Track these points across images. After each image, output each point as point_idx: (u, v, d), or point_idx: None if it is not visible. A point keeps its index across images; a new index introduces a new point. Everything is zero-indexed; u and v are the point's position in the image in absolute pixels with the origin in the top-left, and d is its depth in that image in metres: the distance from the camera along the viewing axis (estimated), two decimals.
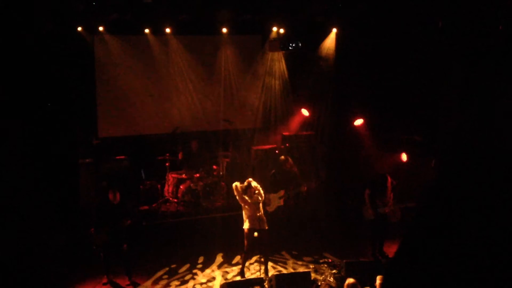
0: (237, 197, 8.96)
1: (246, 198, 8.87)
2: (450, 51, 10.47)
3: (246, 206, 8.89)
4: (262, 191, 9.02)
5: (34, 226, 10.24)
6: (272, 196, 10.41)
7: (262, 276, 8.79)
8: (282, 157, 11.41)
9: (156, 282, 9.10)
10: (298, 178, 11.09)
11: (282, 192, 10.52)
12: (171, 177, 12.13)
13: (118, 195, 8.77)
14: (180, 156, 12.33)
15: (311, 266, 9.51)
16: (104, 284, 8.86)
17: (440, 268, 1.63)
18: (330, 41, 13.33)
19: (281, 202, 10.46)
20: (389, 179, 9.57)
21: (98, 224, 8.61)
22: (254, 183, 8.97)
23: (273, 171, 11.32)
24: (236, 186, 8.95)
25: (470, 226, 1.64)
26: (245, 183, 8.97)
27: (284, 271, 9.38)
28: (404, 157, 11.17)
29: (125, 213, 8.81)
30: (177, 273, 9.42)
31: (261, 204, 9.01)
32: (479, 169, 1.74)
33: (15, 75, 10.77)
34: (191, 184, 11.91)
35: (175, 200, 11.99)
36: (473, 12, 9.60)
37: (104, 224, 8.57)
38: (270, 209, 10.24)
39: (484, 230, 1.61)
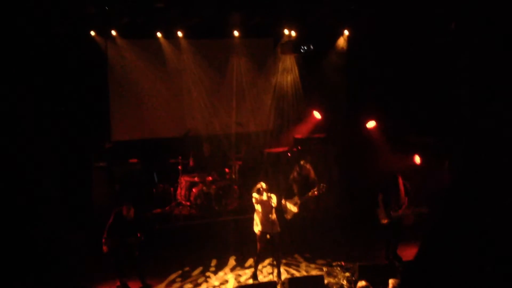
0: (254, 202, 8.94)
1: (259, 206, 8.83)
2: (464, 52, 10.37)
3: (259, 210, 8.85)
4: (274, 196, 8.89)
5: (48, 230, 10.32)
6: (288, 202, 10.27)
7: (275, 279, 8.78)
8: (302, 161, 11.19)
9: (169, 285, 9.12)
10: (315, 185, 10.63)
11: (296, 199, 10.35)
12: (184, 180, 12.14)
13: (132, 212, 8.66)
14: (191, 163, 12.34)
15: (324, 269, 9.46)
16: (118, 287, 8.87)
17: (458, 273, 1.61)
18: (342, 43, 13.30)
19: (297, 209, 10.30)
20: (400, 179, 9.49)
21: (108, 234, 8.57)
22: (264, 186, 8.87)
23: (292, 176, 11.13)
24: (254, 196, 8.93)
25: (487, 230, 1.61)
26: (256, 187, 8.91)
27: (297, 274, 9.35)
28: (417, 159, 11.08)
29: (135, 231, 8.62)
30: (190, 276, 9.44)
31: (273, 208, 8.92)
32: (494, 171, 1.72)
33: (28, 79, 10.88)
34: (204, 187, 11.92)
35: (188, 204, 12.01)
36: (487, 13, 9.51)
37: (113, 236, 8.54)
38: (288, 216, 10.14)
39: (503, 234, 1.59)
